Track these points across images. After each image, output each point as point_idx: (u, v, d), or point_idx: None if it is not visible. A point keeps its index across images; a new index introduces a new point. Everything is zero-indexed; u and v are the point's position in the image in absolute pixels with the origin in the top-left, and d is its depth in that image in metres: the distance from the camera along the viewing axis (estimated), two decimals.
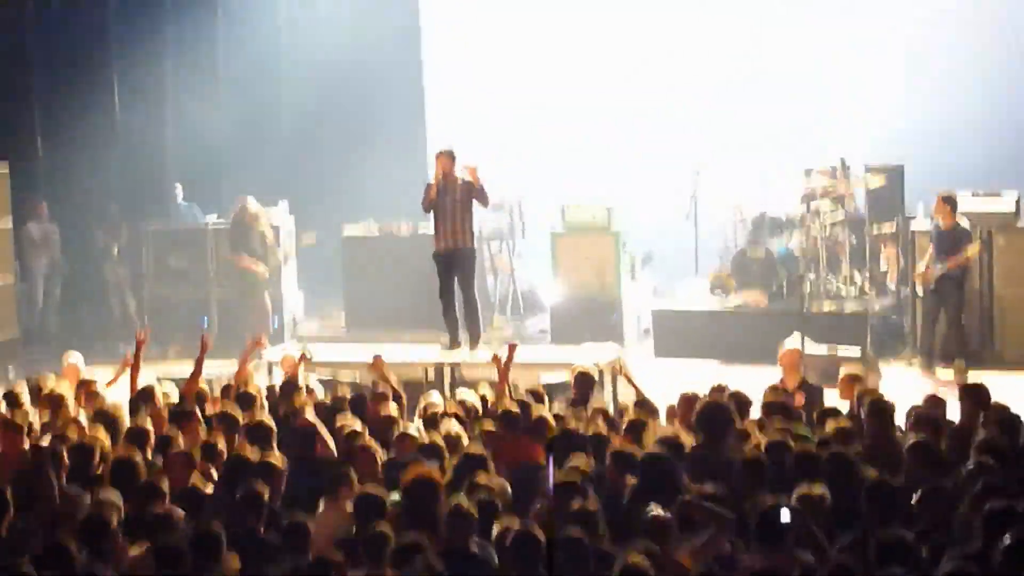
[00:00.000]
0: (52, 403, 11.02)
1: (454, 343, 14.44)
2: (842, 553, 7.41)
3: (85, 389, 11.64)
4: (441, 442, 9.63)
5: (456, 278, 14.43)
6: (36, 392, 11.43)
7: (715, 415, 9.26)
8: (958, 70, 18.13)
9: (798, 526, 7.47)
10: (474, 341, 14.46)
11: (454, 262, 14.35)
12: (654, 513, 7.61)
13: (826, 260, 16.76)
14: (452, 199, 14.25)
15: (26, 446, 9.65)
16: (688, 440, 9.24)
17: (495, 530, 7.74)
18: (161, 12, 19.78)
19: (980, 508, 7.43)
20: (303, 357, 12.62)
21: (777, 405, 10.34)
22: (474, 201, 14.26)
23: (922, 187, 16.26)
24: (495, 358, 11.86)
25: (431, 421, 10.43)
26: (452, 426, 10.07)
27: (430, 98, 20.82)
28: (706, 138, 18.59)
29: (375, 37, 20.34)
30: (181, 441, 9.77)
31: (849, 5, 18.77)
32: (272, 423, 9.97)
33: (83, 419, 10.61)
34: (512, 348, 12.04)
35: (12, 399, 11.21)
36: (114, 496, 8.36)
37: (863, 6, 18.74)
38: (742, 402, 10.34)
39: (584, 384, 11.41)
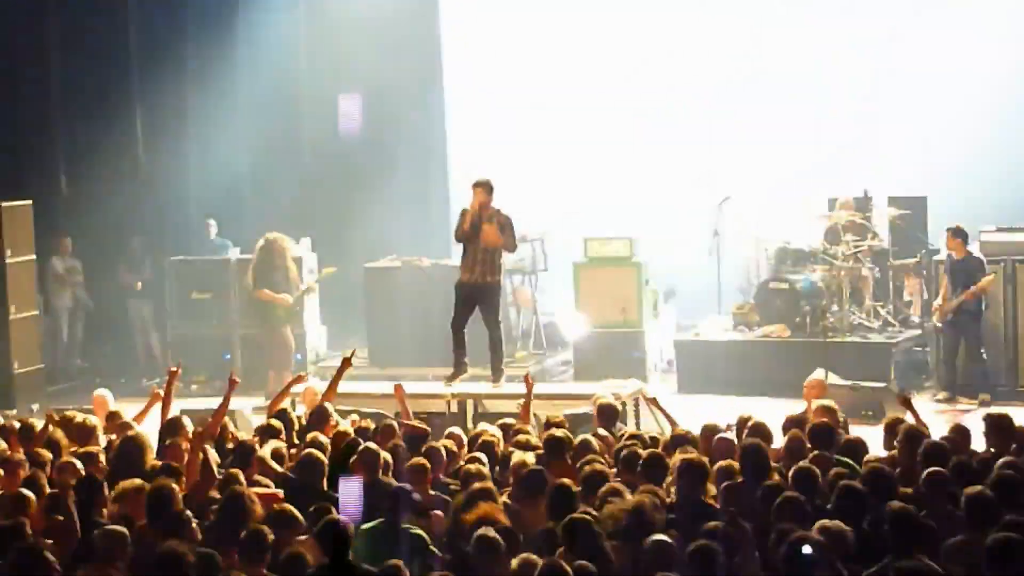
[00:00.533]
0: (82, 434, 10.97)
1: (456, 376, 14.35)
2: None
3: (113, 420, 11.63)
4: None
5: (481, 314, 14.37)
6: (68, 424, 11.38)
7: (758, 455, 9.24)
8: (982, 102, 18.07)
9: (820, 559, 7.42)
10: (497, 376, 14.40)
11: (478, 297, 14.28)
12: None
13: (849, 293, 16.73)
14: (486, 241, 14.15)
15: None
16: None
17: None
18: (183, 48, 19.88)
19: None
20: (347, 360, 12.61)
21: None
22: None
23: (945, 219, 16.23)
24: (527, 378, 11.94)
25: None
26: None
27: (452, 132, 20.83)
28: (729, 171, 18.56)
29: (396, 70, 20.38)
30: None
31: (872, 38, 18.74)
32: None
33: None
34: (528, 381, 12.03)
35: (27, 432, 11.18)
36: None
37: (886, 39, 18.70)
38: (764, 434, 10.30)
39: (607, 416, 11.37)
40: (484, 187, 14.24)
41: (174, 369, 12.34)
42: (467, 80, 20.71)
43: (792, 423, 10.79)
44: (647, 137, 19.59)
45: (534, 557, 7.48)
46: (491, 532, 7.84)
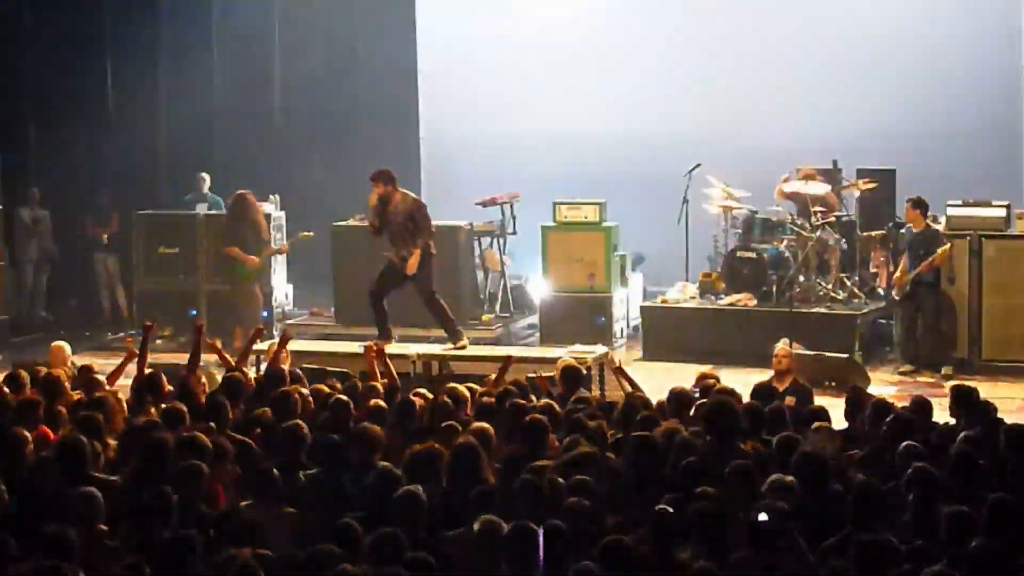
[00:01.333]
0: (48, 388, 10.84)
1: (385, 336, 14.40)
2: (825, 556, 7.42)
3: (84, 376, 11.56)
4: None
5: (417, 292, 14.48)
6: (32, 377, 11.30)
7: (723, 413, 9.27)
8: (953, 76, 18.13)
9: (777, 529, 7.46)
10: (456, 337, 14.50)
11: (401, 276, 14.41)
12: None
13: (816, 263, 16.78)
14: (395, 220, 14.33)
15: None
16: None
17: None
18: (157, 3, 19.77)
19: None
20: (285, 337, 12.65)
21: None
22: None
23: (913, 192, 16.27)
24: (508, 359, 11.96)
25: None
26: None
27: (423, 92, 20.77)
28: (699, 139, 18.56)
29: (370, 33, 20.36)
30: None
31: (844, 8, 18.74)
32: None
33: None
34: (508, 361, 12.04)
35: (15, 382, 11.09)
36: None
37: (858, 10, 18.71)
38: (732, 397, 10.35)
39: (571, 379, 11.38)
40: (380, 179, 14.43)
41: (149, 324, 12.29)
42: (440, 40, 20.64)
43: (760, 391, 10.85)
44: (618, 102, 19.60)
45: None
46: None
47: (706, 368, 13.88)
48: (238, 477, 8.90)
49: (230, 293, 17.12)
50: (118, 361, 12.14)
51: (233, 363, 11.86)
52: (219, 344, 12.68)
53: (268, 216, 17.46)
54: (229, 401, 10.16)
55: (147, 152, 19.72)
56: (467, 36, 20.33)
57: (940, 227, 16.01)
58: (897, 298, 16.07)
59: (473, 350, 14.63)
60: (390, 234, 14.52)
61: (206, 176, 18.91)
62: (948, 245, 15.69)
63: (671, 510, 7.51)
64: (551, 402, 10.38)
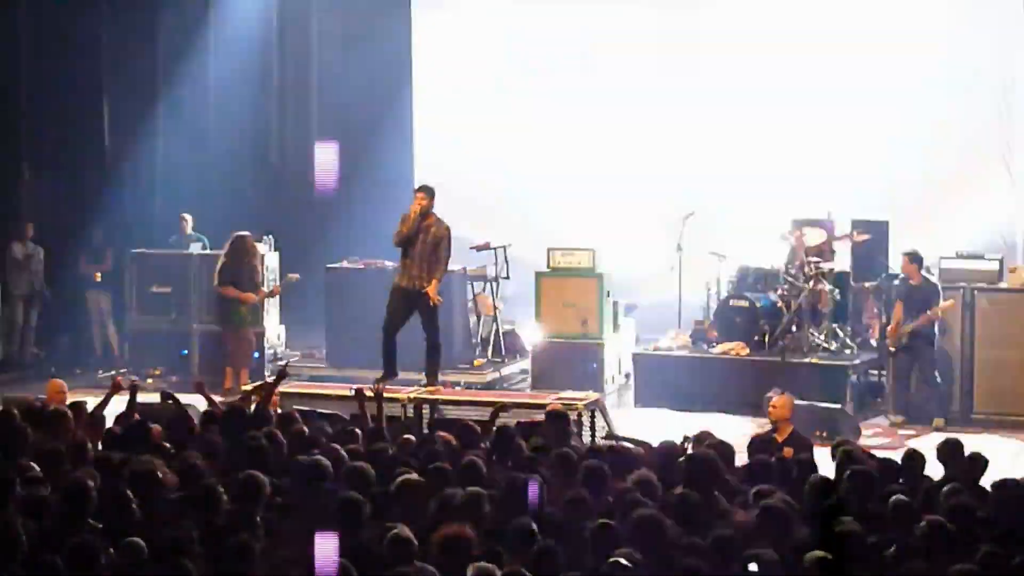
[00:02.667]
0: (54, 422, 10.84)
1: (388, 376, 14.38)
2: None
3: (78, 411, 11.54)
4: None
5: (421, 318, 14.44)
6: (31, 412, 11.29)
7: (702, 468, 9.22)
8: (948, 130, 18.19)
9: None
10: (432, 380, 14.47)
11: (416, 302, 14.36)
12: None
13: (809, 313, 16.78)
14: (424, 239, 14.27)
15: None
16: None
17: None
18: (154, 42, 19.81)
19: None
20: (281, 375, 12.61)
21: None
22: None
23: (907, 244, 16.31)
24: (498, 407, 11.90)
25: None
26: None
27: (418, 136, 20.82)
28: (692, 188, 18.61)
29: (365, 77, 20.40)
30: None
31: (838, 61, 18.80)
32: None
33: None
34: (496, 412, 12.00)
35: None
36: None
37: (853, 60, 18.77)
38: (727, 452, 10.30)
39: (557, 423, 11.32)
40: (426, 192, 14.37)
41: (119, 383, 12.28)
42: (435, 87, 20.72)
43: (759, 443, 10.84)
44: (613, 149, 19.64)
45: None
46: None
47: (696, 415, 13.98)
48: None
49: (222, 334, 17.07)
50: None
51: (217, 404, 11.81)
52: (203, 383, 12.62)
53: (262, 258, 17.43)
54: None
55: (142, 191, 19.72)
56: (462, 85, 20.39)
57: (935, 280, 16.03)
58: (892, 349, 16.06)
59: (464, 395, 14.59)
60: (411, 253, 14.41)
61: (188, 217, 18.89)
62: (951, 300, 15.72)
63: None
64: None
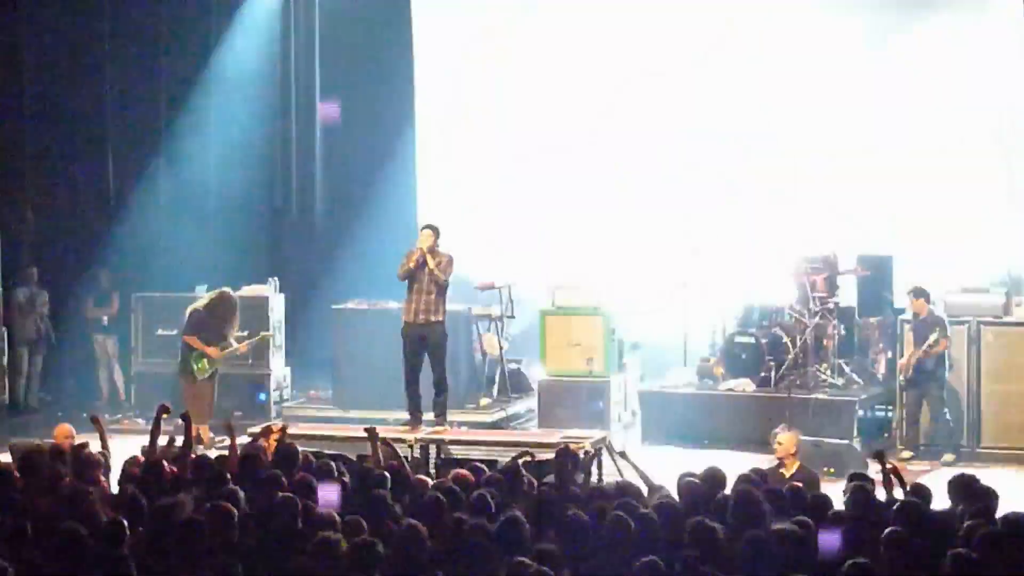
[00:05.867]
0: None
1: (415, 421, 14.43)
2: None
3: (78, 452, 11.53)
4: None
5: (427, 354, 14.47)
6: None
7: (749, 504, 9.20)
8: (952, 164, 18.18)
9: None
10: (440, 419, 14.49)
11: (424, 336, 14.43)
12: None
13: (815, 349, 16.77)
14: (428, 273, 14.35)
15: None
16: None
17: None
18: (158, 79, 19.84)
19: None
20: (283, 429, 12.62)
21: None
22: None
23: (911, 279, 16.32)
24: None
25: None
26: None
27: (422, 176, 20.82)
28: (698, 225, 18.59)
29: (369, 116, 20.43)
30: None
31: (841, 95, 18.80)
32: None
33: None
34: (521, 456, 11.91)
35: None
36: None
37: (855, 97, 18.77)
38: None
39: (565, 461, 11.29)
40: (432, 230, 14.52)
41: (165, 407, 12.16)
42: (439, 127, 20.71)
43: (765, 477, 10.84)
44: (618, 186, 19.62)
45: None
46: None
47: (703, 452, 13.96)
48: None
49: (181, 383, 16.70)
50: (113, 441, 12.12)
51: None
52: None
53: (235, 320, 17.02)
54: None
55: (147, 233, 19.73)
56: (466, 124, 20.38)
57: (940, 313, 16.04)
58: (902, 383, 16.06)
59: (471, 434, 14.59)
60: (415, 288, 14.50)
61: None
62: (944, 339, 15.72)
63: None
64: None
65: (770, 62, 19.06)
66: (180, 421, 12.02)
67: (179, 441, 11.87)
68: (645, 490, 10.57)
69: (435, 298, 14.45)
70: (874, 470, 12.57)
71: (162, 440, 11.96)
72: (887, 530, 8.73)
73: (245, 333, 16.92)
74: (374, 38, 20.47)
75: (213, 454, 12.38)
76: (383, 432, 13.17)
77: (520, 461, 11.31)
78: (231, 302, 16.47)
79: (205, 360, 16.18)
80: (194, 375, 16.09)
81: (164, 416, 11.82)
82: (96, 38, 19.54)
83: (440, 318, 14.59)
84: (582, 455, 12.44)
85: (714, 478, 10.32)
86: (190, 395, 16.02)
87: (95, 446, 11.59)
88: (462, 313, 17.48)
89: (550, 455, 11.76)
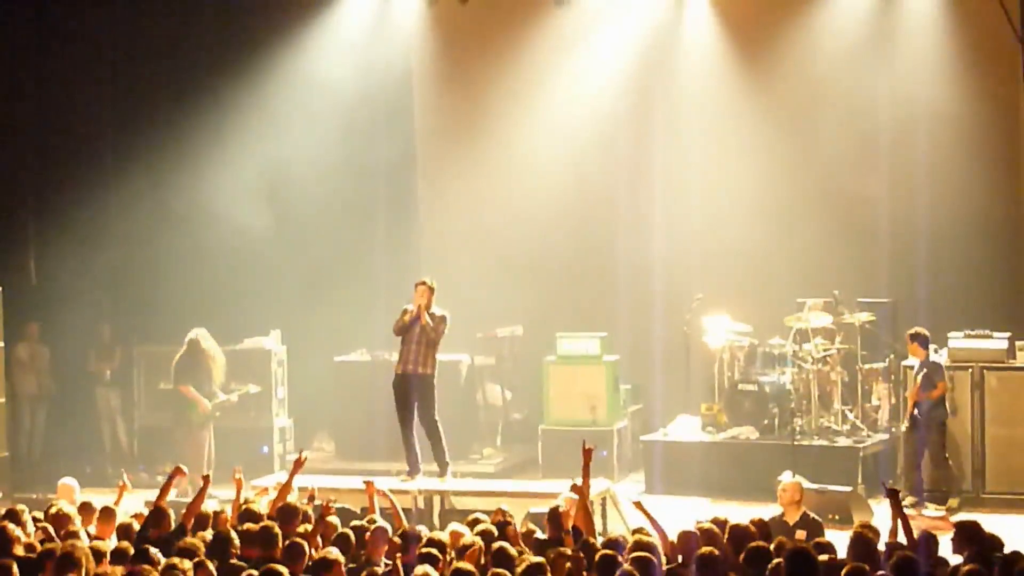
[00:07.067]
0: (56, 522, 10.91)
1: (413, 472, 14.43)
2: None
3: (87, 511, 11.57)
4: None
5: (416, 405, 14.50)
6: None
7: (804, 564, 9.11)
8: (953, 209, 18.16)
9: None
10: (442, 470, 14.49)
11: (413, 387, 14.55)
12: None
13: (818, 396, 16.76)
14: (422, 328, 14.40)
15: None
16: None
17: None
18: (158, 135, 19.85)
19: None
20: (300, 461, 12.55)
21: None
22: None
23: (914, 325, 16.30)
24: (575, 488, 11.54)
25: None
26: None
27: (424, 227, 20.79)
28: (700, 271, 18.58)
29: (369, 164, 20.37)
30: None
31: (842, 133, 18.76)
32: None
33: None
34: (588, 453, 11.85)
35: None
36: None
37: (856, 134, 18.74)
38: (740, 537, 10.23)
39: (557, 522, 11.15)
40: (427, 287, 14.54)
41: (180, 469, 12.25)
42: (441, 176, 20.69)
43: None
44: (619, 234, 19.58)
45: None
46: None
47: (708, 500, 13.93)
48: None
49: (177, 433, 16.78)
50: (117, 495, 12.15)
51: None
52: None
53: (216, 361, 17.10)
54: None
55: (148, 287, 19.71)
56: (467, 166, 20.31)
57: (940, 359, 16.03)
58: (904, 429, 16.04)
59: (475, 484, 14.57)
60: (408, 340, 14.55)
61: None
62: (943, 381, 15.70)
63: None
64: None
65: (767, 96, 19.01)
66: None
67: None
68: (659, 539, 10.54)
69: (425, 350, 14.50)
70: (882, 516, 12.60)
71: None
72: None
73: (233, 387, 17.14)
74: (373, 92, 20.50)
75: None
76: (386, 484, 13.20)
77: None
78: (202, 343, 16.73)
79: (197, 411, 16.34)
80: (189, 426, 16.33)
81: (180, 477, 11.97)
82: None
83: (429, 371, 14.60)
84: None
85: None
86: (189, 445, 16.19)
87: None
88: (464, 364, 17.48)
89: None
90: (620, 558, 9.46)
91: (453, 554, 10.18)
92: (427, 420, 14.57)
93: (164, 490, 11.88)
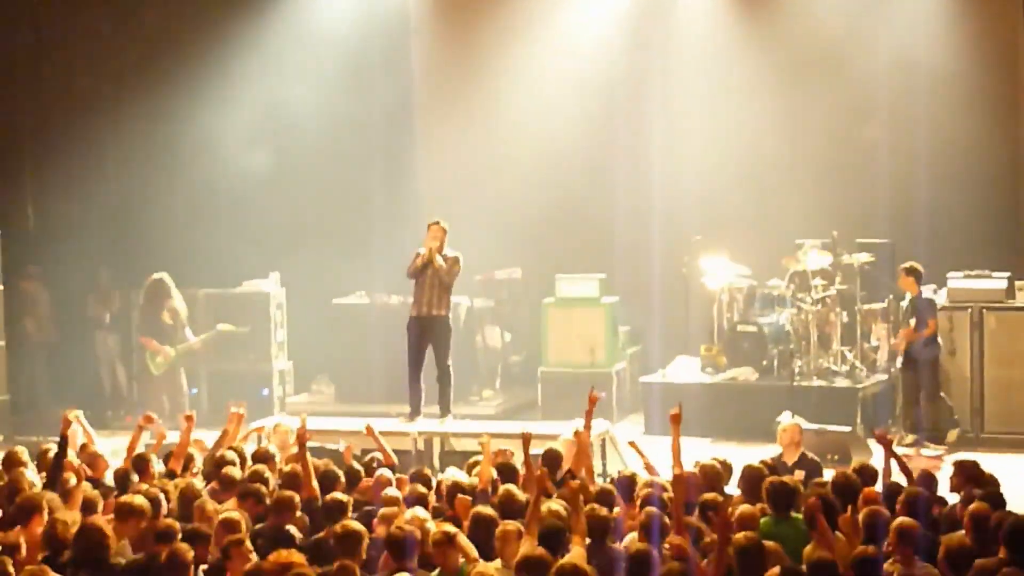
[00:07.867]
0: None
1: (415, 414, 14.47)
2: None
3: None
4: None
5: (432, 347, 14.56)
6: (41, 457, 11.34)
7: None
8: (952, 149, 18.12)
9: None
10: (444, 412, 14.54)
11: (429, 330, 14.61)
12: None
13: (817, 337, 16.76)
14: (435, 270, 14.45)
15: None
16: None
17: None
18: (157, 80, 19.78)
19: None
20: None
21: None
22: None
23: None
24: (577, 433, 11.55)
25: None
26: None
27: (423, 169, 20.74)
28: (698, 213, 18.54)
29: (368, 105, 20.31)
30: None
31: (842, 80, 18.72)
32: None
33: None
34: (594, 401, 11.90)
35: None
36: None
37: (856, 81, 18.69)
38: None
39: (552, 462, 11.20)
40: (440, 228, 14.72)
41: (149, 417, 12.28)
42: (440, 118, 20.61)
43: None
44: (618, 176, 19.54)
45: None
46: None
47: (707, 442, 13.96)
48: None
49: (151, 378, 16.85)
50: (118, 438, 12.18)
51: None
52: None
53: (174, 310, 17.06)
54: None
55: (146, 231, 19.68)
56: (466, 109, 20.26)
57: (940, 299, 16.01)
58: (898, 366, 16.03)
59: (474, 426, 14.60)
60: (422, 283, 14.66)
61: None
62: (936, 319, 15.67)
63: None
64: None
65: (769, 49, 18.96)
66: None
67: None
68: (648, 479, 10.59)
69: (439, 292, 14.62)
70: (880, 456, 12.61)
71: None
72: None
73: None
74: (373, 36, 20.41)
75: None
76: (386, 425, 13.24)
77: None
78: (159, 285, 16.78)
79: (160, 357, 16.35)
80: (150, 372, 16.52)
81: (148, 424, 11.94)
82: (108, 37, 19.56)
83: (444, 312, 14.73)
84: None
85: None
86: (148, 392, 16.52)
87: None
88: (463, 306, 17.47)
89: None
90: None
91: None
92: (441, 364, 14.62)
93: (134, 440, 11.78)
